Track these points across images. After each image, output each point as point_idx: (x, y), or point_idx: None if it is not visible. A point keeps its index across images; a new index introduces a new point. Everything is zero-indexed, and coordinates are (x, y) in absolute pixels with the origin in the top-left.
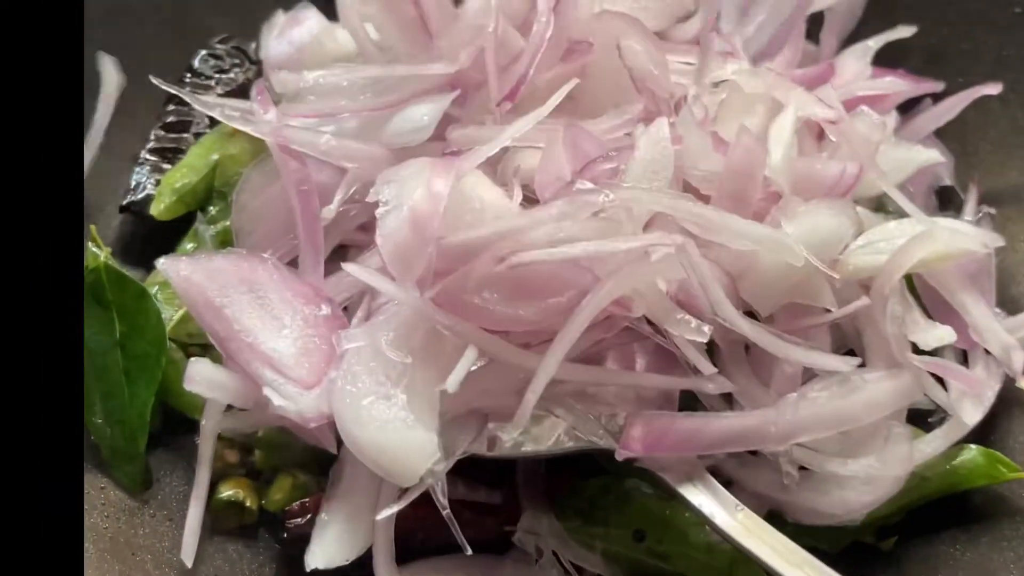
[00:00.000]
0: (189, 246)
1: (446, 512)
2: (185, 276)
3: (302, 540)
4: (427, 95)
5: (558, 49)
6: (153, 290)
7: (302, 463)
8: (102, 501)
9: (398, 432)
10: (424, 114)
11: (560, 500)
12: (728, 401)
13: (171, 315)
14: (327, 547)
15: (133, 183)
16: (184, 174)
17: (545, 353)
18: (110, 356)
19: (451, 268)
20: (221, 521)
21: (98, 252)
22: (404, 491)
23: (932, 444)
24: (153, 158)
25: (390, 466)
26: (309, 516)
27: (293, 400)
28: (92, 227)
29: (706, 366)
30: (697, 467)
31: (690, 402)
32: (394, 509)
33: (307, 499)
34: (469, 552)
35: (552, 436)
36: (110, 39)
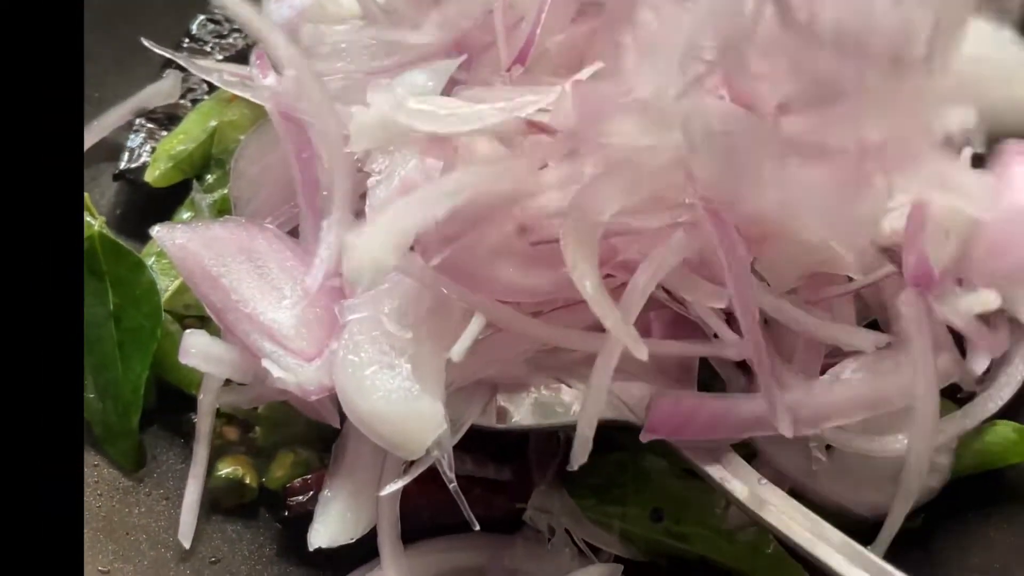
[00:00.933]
0: (186, 215)
1: (453, 486)
2: (181, 245)
3: (304, 518)
4: (431, 58)
5: (569, 9)
6: (149, 260)
7: (304, 439)
8: (95, 479)
9: (403, 403)
10: (428, 79)
11: (573, 477)
12: (747, 375)
13: (167, 286)
14: (330, 525)
15: (128, 150)
16: (181, 140)
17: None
18: (103, 328)
19: (459, 234)
20: (220, 500)
21: (92, 221)
22: (408, 466)
23: (963, 420)
24: (149, 124)
25: (395, 438)
26: (311, 493)
27: (293, 372)
28: (86, 195)
29: (726, 331)
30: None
31: (706, 379)
32: (398, 484)
33: (309, 476)
34: (477, 528)
35: (564, 408)
36: (107, 4)
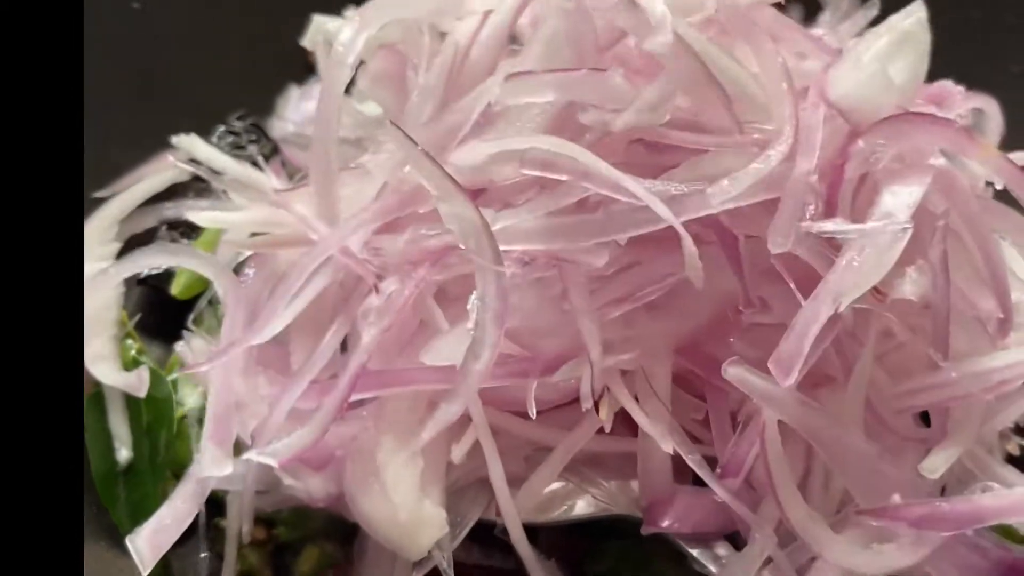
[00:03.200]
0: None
1: None
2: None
3: None
4: None
5: None
6: (174, 373)
7: (326, 533)
8: None
9: (406, 507)
10: None
11: (579, 565)
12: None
13: (189, 392)
14: None
15: None
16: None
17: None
18: (140, 447)
19: None
20: None
21: (131, 344)
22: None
23: None
24: (172, 232)
25: (399, 540)
26: None
27: (303, 480)
28: (123, 313)
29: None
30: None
31: None
32: None
33: (333, 569)
34: None
35: (565, 504)
36: (128, 117)
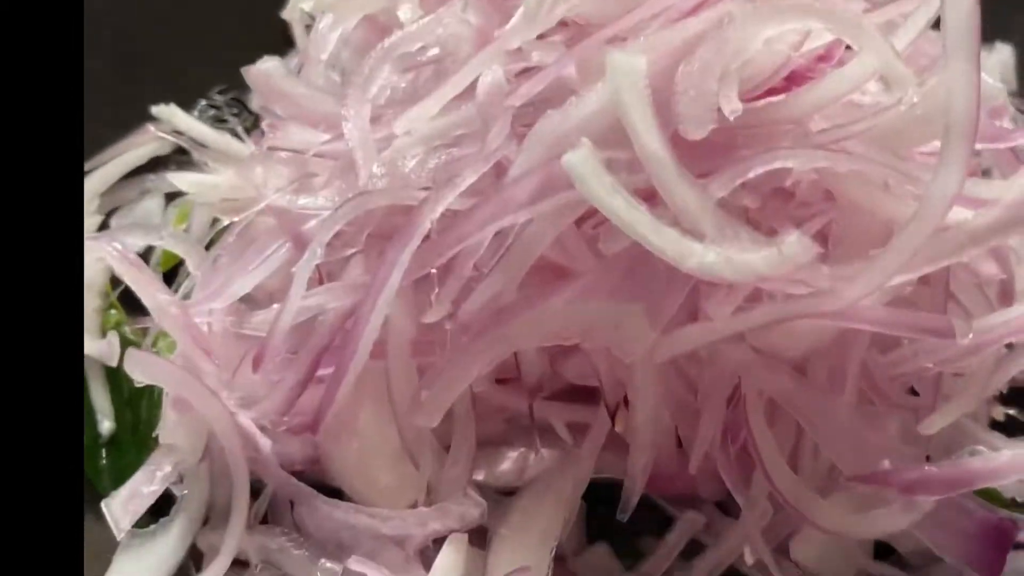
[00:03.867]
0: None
1: None
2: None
3: None
4: None
5: None
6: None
7: None
8: None
9: (387, 467)
10: None
11: None
12: None
13: None
14: None
15: None
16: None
17: None
18: (122, 417)
19: None
20: None
21: (113, 315)
22: None
23: None
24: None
25: (378, 499)
26: None
27: (281, 444)
28: (108, 285)
29: None
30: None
31: None
32: None
33: None
34: None
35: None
36: (110, 92)
